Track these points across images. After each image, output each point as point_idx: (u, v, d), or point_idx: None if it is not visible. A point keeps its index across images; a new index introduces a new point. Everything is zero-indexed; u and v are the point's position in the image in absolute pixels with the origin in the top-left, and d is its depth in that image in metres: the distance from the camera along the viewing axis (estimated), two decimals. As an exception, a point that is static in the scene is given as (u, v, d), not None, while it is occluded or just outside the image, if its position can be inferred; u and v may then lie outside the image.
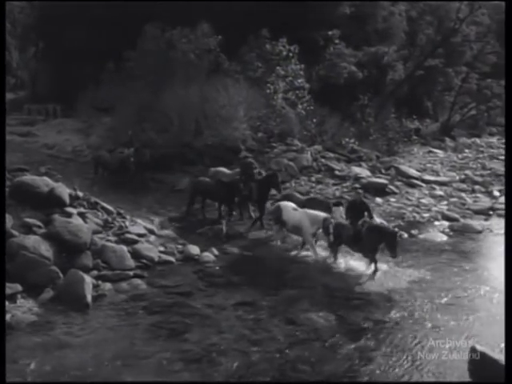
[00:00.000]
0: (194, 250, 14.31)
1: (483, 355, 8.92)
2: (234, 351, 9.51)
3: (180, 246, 14.56)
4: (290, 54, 27.53)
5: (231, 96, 24.12)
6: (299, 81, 27.64)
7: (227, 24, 27.23)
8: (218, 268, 13.58)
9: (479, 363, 8.90)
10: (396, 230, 13.21)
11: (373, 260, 13.23)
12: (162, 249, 14.22)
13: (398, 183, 24.04)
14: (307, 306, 11.48)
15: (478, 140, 44.30)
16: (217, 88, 24.43)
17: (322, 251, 14.70)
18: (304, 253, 14.89)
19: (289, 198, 16.75)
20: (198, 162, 22.71)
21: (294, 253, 14.98)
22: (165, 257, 13.79)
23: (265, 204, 17.52)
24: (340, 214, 15.52)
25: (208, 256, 14.14)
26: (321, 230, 14.28)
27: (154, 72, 26.04)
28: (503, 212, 20.64)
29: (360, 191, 15.26)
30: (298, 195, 17.68)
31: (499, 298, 11.67)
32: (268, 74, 26.91)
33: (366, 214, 13.97)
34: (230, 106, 23.95)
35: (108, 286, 11.99)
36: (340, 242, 13.99)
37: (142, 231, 14.80)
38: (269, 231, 16.44)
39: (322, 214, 14.41)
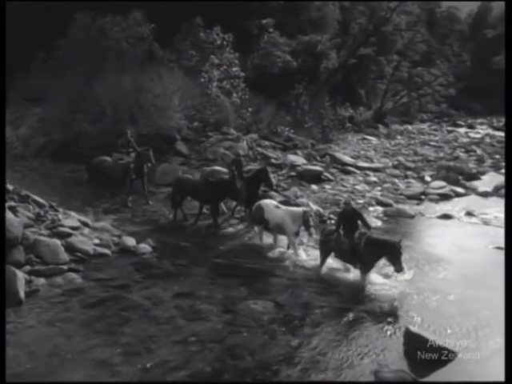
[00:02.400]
0: (130, 241, 14.13)
1: (417, 335, 9.37)
2: (174, 342, 9.46)
3: (116, 238, 14.32)
4: (225, 43, 27.48)
5: (165, 85, 23.86)
6: (234, 69, 27.62)
7: (160, 12, 26.90)
8: (155, 259, 13.45)
9: (412, 341, 9.37)
10: (399, 240, 11.88)
11: (366, 274, 12.25)
12: (97, 241, 13.92)
13: (333, 170, 24.44)
14: (245, 294, 11.52)
15: (409, 127, 45.48)
16: (151, 77, 24.12)
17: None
18: (252, 241, 15.07)
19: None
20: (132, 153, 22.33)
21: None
22: (100, 249, 13.52)
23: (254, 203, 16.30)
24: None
25: (145, 247, 13.98)
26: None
27: (85, 61, 25.48)
28: (434, 197, 21.31)
29: (349, 200, 14.12)
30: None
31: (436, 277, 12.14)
32: (202, 63, 26.77)
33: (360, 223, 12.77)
34: (165, 95, 23.68)
35: (42, 281, 11.67)
36: (326, 256, 12.98)
37: (76, 224, 14.43)
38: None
39: (301, 209, 14.07)
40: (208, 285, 11.98)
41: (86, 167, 19.48)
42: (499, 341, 9.70)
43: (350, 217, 12.70)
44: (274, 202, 14.85)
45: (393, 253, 11.60)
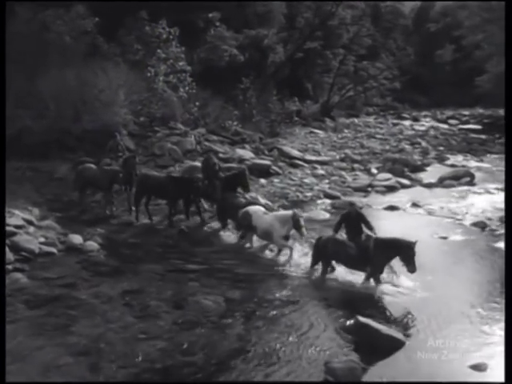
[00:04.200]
0: (77, 239, 13.89)
1: (366, 325, 9.48)
2: (123, 340, 9.33)
3: (62, 237, 14.08)
4: (171, 37, 27.19)
5: (111, 79, 23.48)
6: (180, 64, 27.40)
7: (104, 5, 26.43)
8: (102, 256, 13.26)
9: (361, 331, 9.51)
10: (413, 241, 11.39)
11: (378, 280, 11.78)
12: (42, 240, 13.65)
13: (281, 164, 24.56)
14: (195, 289, 11.47)
15: (356, 120, 46.06)
16: (95, 71, 23.67)
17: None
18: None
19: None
20: (77, 149, 21.93)
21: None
22: (46, 248, 13.26)
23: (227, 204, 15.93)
24: None
25: (92, 245, 13.77)
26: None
27: (27, 55, 24.81)
28: (381, 189, 21.66)
29: (354, 202, 13.58)
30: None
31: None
32: (148, 57, 26.46)
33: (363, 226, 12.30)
34: (110, 90, 23.31)
35: (-15, 281, 11.37)
36: (328, 262, 12.36)
37: (20, 222, 14.10)
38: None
39: (289, 212, 13.68)
40: (157, 281, 11.89)
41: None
42: (446, 328, 9.99)
43: (355, 220, 12.21)
44: (262, 209, 14.30)
45: (408, 253, 11.30)
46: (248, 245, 14.38)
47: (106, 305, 10.70)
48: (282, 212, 14.21)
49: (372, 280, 11.73)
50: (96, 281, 11.85)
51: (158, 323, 9.97)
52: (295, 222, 13.07)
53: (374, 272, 11.72)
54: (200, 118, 27.93)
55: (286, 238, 13.48)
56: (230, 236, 15.22)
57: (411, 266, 11.34)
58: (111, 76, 23.65)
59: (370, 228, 12.14)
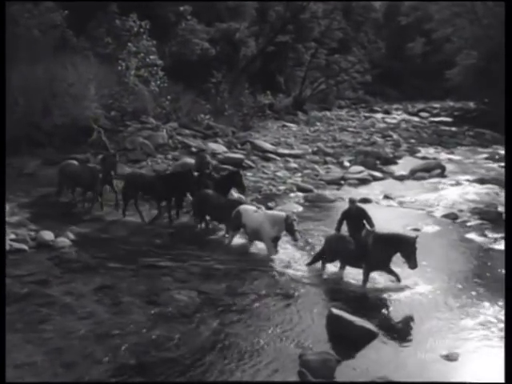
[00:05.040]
0: (48, 235, 13.70)
1: (339, 317, 9.57)
2: (97, 337, 9.25)
3: (33, 233, 13.87)
4: (142, 30, 26.98)
5: (80, 73, 23.24)
6: (152, 57, 27.21)
7: (73, -1, 26.13)
8: (74, 253, 13.12)
9: (334, 323, 9.59)
10: (414, 235, 11.33)
11: (391, 272, 11.55)
12: (13, 236, 13.41)
13: (254, 157, 24.57)
14: (168, 284, 11.43)
15: (328, 113, 46.23)
16: (65, 65, 23.40)
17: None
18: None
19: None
20: (47, 144, 21.67)
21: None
22: (16, 245, 13.04)
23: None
24: None
25: (63, 241, 13.60)
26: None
27: (-5, 49, 24.42)
28: (353, 181, 21.79)
29: (354, 198, 13.10)
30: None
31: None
32: (119, 51, 26.20)
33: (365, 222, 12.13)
34: (80, 84, 23.07)
35: (-46, 280, 11.18)
36: (333, 258, 12.21)
37: (-10, 219, 13.90)
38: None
39: (282, 213, 13.30)
40: (130, 277, 11.78)
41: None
42: (420, 319, 10.15)
43: (356, 216, 12.10)
44: (253, 207, 14.16)
45: (409, 248, 11.11)
46: (226, 242, 14.14)
47: (79, 301, 10.57)
48: (274, 212, 13.89)
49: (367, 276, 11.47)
50: (68, 277, 11.70)
51: (131, 319, 9.89)
52: (288, 226, 12.77)
53: (370, 269, 11.50)
54: (172, 112, 27.82)
55: (276, 239, 13.19)
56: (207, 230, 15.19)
57: (412, 262, 11.16)
58: (81, 70, 23.41)
59: (371, 224, 11.93)
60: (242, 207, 13.93)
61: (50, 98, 22.77)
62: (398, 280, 11.40)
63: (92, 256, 12.92)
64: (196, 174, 15.79)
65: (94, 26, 27.31)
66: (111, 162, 16.78)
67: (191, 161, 18.13)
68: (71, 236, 13.99)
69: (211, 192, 15.10)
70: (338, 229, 12.25)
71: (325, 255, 12.25)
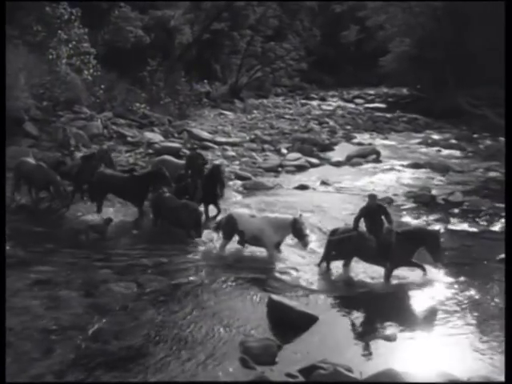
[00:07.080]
0: (-20, 230, 13.24)
1: (279, 303, 9.71)
2: (34, 333, 9.04)
3: (-38, 228, 13.38)
4: (73, 18, 26.26)
5: (9, 63, 22.47)
6: (84, 45, 26.58)
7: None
8: (8, 248, 12.72)
9: (275, 309, 9.70)
10: (437, 229, 11.20)
11: (417, 265, 11.34)
12: None
13: (191, 146, 24.33)
14: (106, 276, 11.26)
15: (265, 101, 46.34)
16: (-7, 54, 22.60)
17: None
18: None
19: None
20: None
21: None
22: None
23: (213, 204, 15.24)
24: None
25: (-4, 236, 13.16)
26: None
27: None
28: (291, 168, 21.96)
29: (374, 193, 12.31)
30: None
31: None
32: (50, 39, 25.46)
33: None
34: (9, 74, 22.31)
35: None
36: (347, 256, 11.69)
37: None
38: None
39: (289, 217, 12.30)
40: (66, 270, 11.52)
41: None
42: (361, 302, 10.43)
43: (376, 212, 11.41)
44: (248, 211, 13.31)
45: (434, 242, 11.02)
46: (218, 251, 12.86)
47: (14, 297, 10.23)
48: (278, 216, 12.67)
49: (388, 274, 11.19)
50: (1, 273, 11.38)
51: (68, 313, 9.69)
52: (297, 231, 11.99)
53: (394, 266, 11.19)
54: (106, 102, 27.38)
55: (279, 244, 12.43)
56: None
57: (437, 255, 11.10)
58: (10, 59, 22.60)
59: (390, 221, 11.38)
60: (235, 212, 12.94)
61: (-23, 89, 21.97)
62: (424, 271, 11.24)
63: (26, 250, 12.56)
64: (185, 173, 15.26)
65: (23, 14, 26.42)
66: (105, 157, 15.87)
67: (171, 158, 17.29)
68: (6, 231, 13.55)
69: (168, 195, 14.17)
70: (356, 226, 11.47)
71: (335, 252, 11.71)
